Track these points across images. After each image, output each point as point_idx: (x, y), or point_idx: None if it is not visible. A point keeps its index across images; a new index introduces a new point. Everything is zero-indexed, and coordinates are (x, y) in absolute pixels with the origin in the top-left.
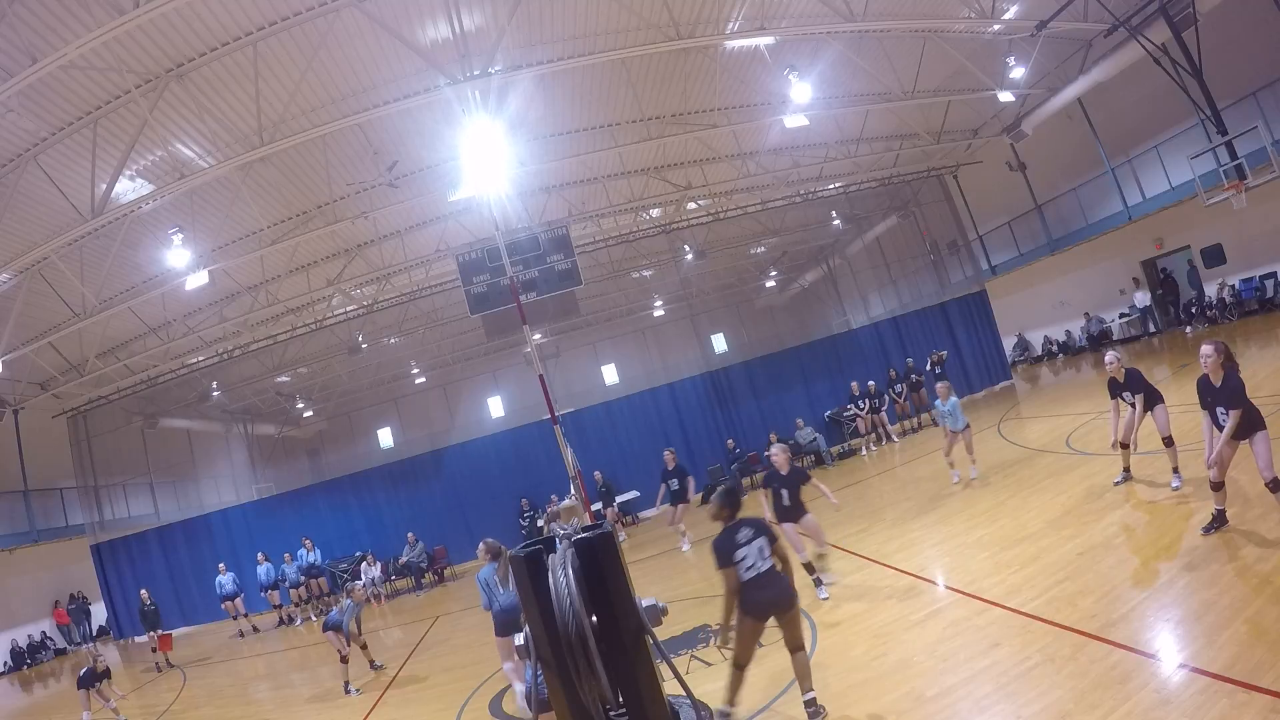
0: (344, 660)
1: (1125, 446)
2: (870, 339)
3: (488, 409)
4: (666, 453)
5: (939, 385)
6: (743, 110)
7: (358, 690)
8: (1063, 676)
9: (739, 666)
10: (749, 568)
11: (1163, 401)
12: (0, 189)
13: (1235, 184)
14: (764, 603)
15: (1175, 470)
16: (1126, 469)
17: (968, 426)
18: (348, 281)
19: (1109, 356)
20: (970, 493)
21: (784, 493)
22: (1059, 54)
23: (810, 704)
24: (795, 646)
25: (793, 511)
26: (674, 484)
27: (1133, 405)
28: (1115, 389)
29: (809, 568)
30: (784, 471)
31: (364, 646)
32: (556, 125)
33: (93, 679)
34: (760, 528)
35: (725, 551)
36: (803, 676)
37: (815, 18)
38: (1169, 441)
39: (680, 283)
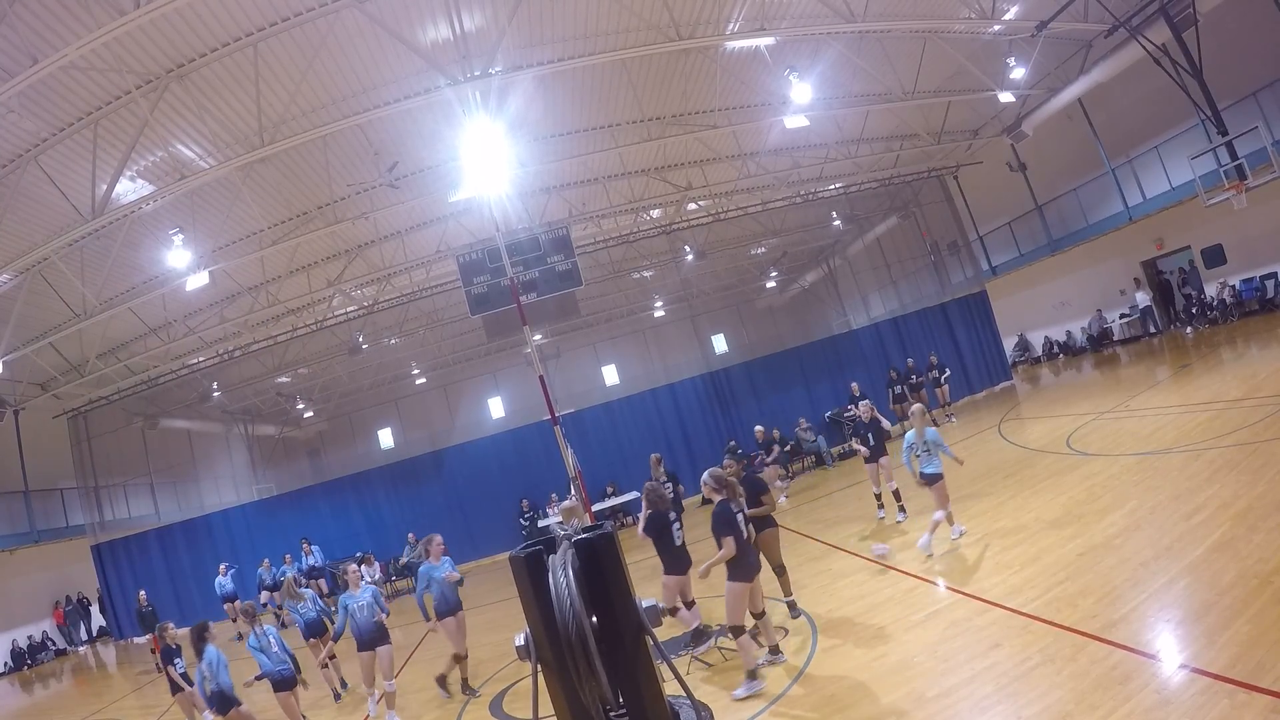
0: None
1: None
2: (870, 339)
3: (488, 409)
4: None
5: None
6: (743, 111)
7: None
8: (1063, 677)
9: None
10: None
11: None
12: (1, 189)
13: (1235, 184)
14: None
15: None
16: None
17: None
18: (348, 282)
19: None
20: (970, 493)
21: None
22: (1059, 54)
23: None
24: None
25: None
26: (870, 438)
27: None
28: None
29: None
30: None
31: None
32: (557, 126)
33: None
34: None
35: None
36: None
37: (815, 18)
38: None
39: (680, 283)
